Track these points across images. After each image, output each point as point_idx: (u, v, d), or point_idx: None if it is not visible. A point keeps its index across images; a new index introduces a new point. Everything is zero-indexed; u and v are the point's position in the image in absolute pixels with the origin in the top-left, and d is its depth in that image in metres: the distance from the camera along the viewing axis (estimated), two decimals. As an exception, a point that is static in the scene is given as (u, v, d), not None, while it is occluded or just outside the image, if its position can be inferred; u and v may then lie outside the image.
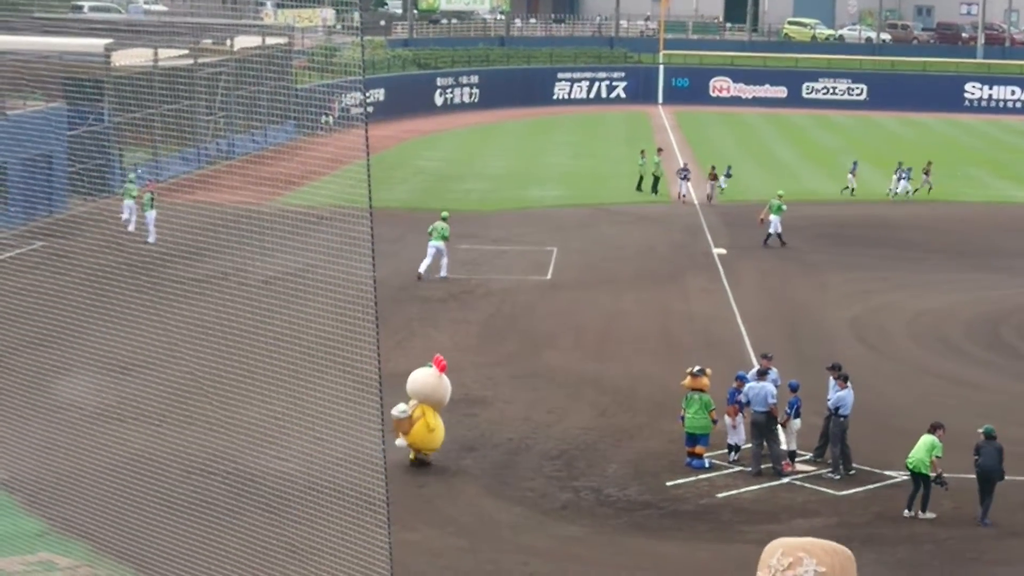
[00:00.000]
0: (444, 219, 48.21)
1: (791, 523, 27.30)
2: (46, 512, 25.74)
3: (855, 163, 67.15)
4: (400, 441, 29.74)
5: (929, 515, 27.62)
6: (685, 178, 63.73)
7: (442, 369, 30.11)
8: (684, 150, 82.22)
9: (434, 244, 47.37)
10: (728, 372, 31.68)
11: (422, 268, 47.38)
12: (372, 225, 20.84)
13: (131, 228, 51.45)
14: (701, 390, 30.07)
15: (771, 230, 53.80)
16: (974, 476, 27.55)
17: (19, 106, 51.60)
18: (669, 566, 25.54)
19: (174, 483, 25.96)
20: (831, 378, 30.40)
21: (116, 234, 47.21)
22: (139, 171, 56.04)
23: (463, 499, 28.17)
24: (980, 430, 27.61)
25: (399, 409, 29.65)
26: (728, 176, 65.07)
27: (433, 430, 29.74)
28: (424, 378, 30.12)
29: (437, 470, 29.50)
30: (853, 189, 65.39)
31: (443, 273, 47.57)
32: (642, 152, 67.08)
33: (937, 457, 27.37)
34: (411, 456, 29.89)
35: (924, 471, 27.50)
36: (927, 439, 27.61)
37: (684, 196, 63.11)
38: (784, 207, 53.78)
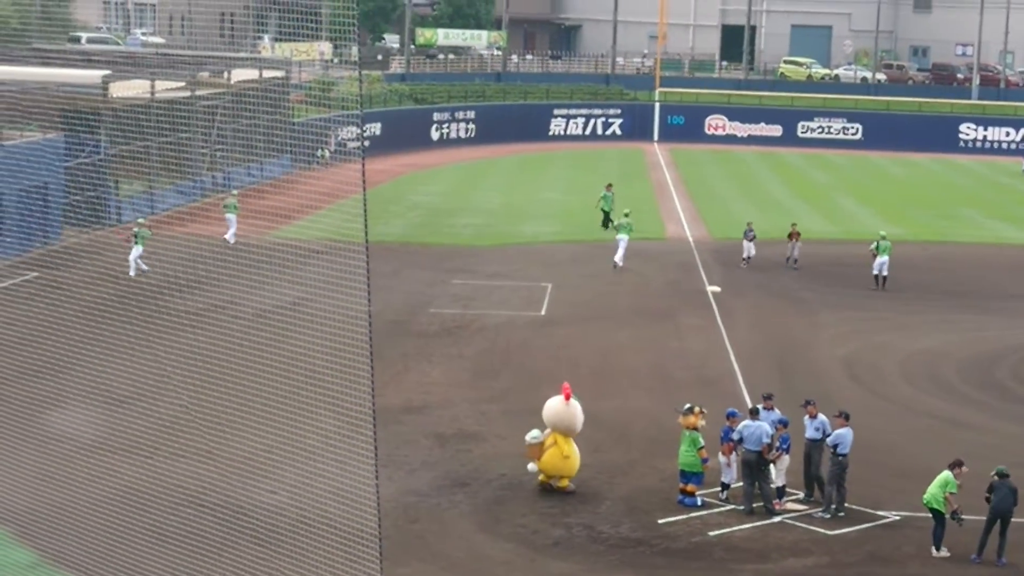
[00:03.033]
0: (627, 215, 57.18)
1: (783, 562, 27.29)
2: (37, 544, 25.68)
3: None
4: (532, 466, 30.62)
5: (943, 553, 27.61)
6: (751, 239, 57.94)
7: (568, 396, 30.63)
8: (679, 188, 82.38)
9: (621, 236, 55.83)
10: (722, 409, 31.64)
11: (617, 257, 55.70)
12: (368, 259, 20.88)
13: (232, 241, 52.42)
14: (692, 428, 30.10)
15: (876, 271, 53.76)
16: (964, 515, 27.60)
17: (16, 136, 51.69)
18: (660, 604, 25.48)
19: (165, 515, 25.91)
20: (806, 416, 30.44)
21: (111, 265, 47.25)
22: (235, 189, 57.67)
23: (455, 535, 28.12)
24: (993, 473, 27.60)
25: (532, 435, 30.68)
26: None
27: (567, 457, 30.44)
28: (553, 406, 30.91)
29: (429, 506, 29.47)
30: None
31: (620, 263, 55.72)
32: (609, 186, 66.85)
33: (951, 493, 27.39)
34: (540, 478, 30.60)
35: (936, 506, 27.53)
36: (943, 475, 27.67)
37: (749, 258, 57.67)
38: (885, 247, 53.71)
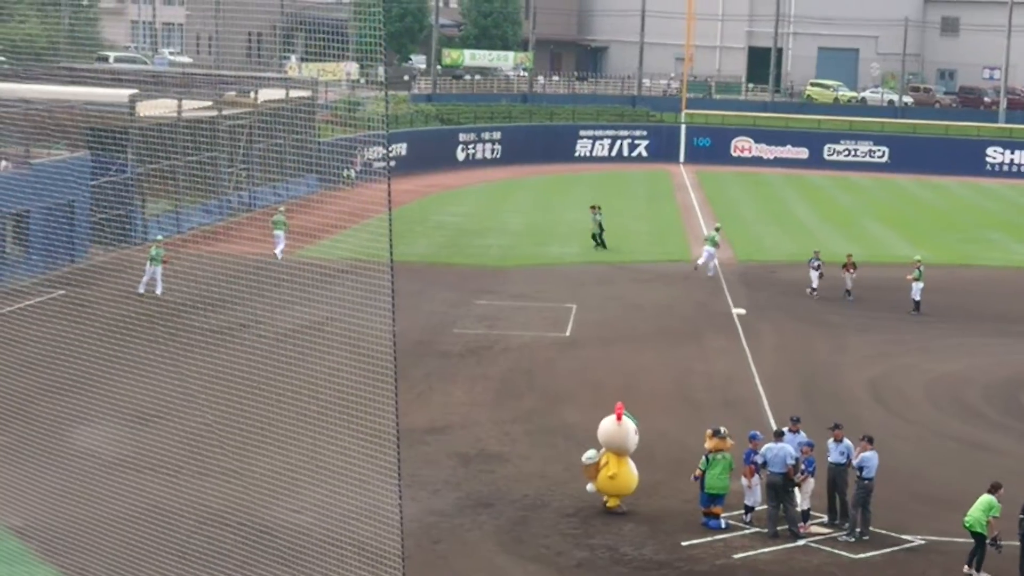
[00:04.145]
0: (717, 230, 62.09)
1: (807, 585, 27.20)
2: (60, 560, 25.72)
3: None
4: (590, 487, 30.72)
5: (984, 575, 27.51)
6: (818, 269, 56.23)
7: (619, 416, 30.73)
8: (705, 210, 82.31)
9: (707, 249, 59.09)
10: (746, 432, 31.55)
11: (700, 261, 59.44)
12: (392, 279, 20.91)
13: (280, 257, 53.29)
14: (726, 450, 30.05)
15: (919, 297, 53.21)
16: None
17: (43, 155, 51.95)
18: (684, 626, 25.40)
19: (189, 534, 25.95)
20: (831, 439, 30.36)
21: (137, 284, 47.43)
22: (282, 205, 58.66)
23: (478, 555, 28.09)
24: None
25: (587, 456, 30.76)
26: None
27: (614, 477, 30.45)
28: (605, 426, 31.00)
29: (452, 526, 29.44)
30: None
31: (710, 272, 58.78)
32: (596, 208, 66.72)
33: (994, 517, 27.26)
34: (605, 502, 30.64)
35: (979, 530, 27.40)
36: (985, 499, 27.55)
37: (815, 290, 56.16)
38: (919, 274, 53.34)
